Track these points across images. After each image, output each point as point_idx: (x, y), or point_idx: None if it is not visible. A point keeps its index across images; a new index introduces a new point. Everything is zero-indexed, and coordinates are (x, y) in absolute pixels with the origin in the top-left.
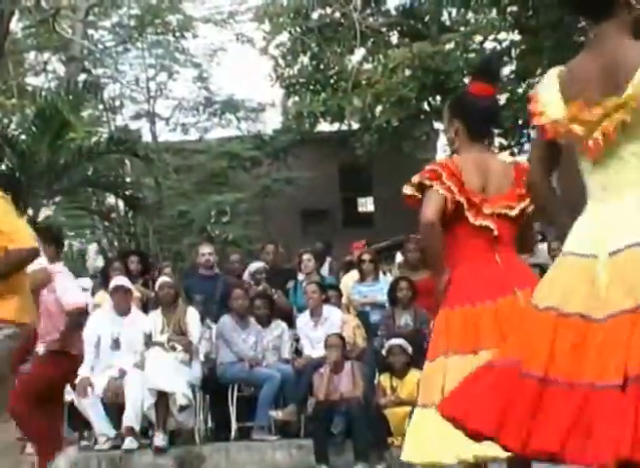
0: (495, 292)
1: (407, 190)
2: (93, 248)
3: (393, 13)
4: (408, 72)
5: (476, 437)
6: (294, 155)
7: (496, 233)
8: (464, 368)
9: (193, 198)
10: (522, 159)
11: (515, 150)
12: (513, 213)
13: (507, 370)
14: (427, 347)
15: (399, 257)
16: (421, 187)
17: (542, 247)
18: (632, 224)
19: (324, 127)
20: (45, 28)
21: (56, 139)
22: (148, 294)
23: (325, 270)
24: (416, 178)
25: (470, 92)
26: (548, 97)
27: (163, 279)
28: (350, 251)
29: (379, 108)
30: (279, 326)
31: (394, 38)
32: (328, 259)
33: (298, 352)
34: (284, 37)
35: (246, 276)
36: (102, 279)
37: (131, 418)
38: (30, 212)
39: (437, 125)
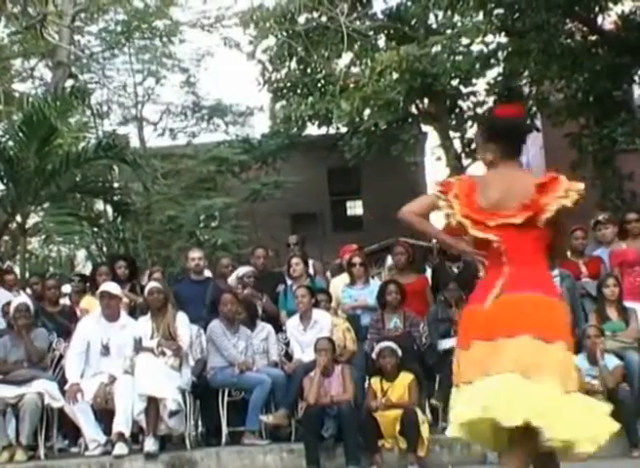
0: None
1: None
2: (81, 254)
3: (380, 16)
4: (395, 75)
5: None
6: (282, 159)
7: (496, 244)
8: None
9: (182, 203)
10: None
11: None
12: (517, 220)
13: None
14: (418, 349)
15: (389, 261)
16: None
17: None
18: None
19: (312, 130)
20: (32, 34)
21: (43, 146)
22: (136, 299)
23: (310, 270)
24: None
25: (501, 115)
26: None
27: (152, 284)
28: (340, 254)
29: (366, 112)
30: (264, 328)
31: (381, 41)
32: (311, 261)
33: (288, 356)
34: (271, 41)
35: (232, 280)
36: (90, 284)
37: (121, 424)
38: (19, 218)
39: (425, 128)
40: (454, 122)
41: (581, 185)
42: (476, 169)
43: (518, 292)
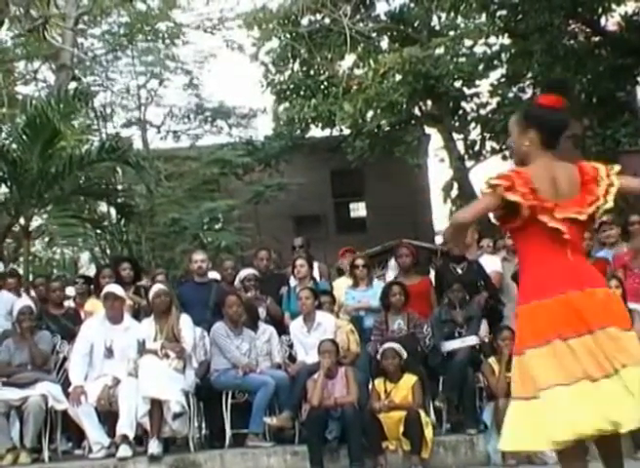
0: (567, 285)
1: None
2: (85, 256)
3: (383, 18)
4: (398, 77)
5: None
6: (285, 161)
7: (567, 236)
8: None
9: (185, 205)
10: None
11: (506, 153)
12: (582, 217)
13: None
14: (422, 350)
15: (392, 262)
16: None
17: None
18: None
19: (315, 132)
20: (35, 37)
21: (46, 148)
22: (140, 302)
23: (315, 273)
24: (492, 180)
25: (544, 103)
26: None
27: (158, 286)
28: (339, 256)
29: (370, 113)
30: (267, 330)
31: (384, 43)
32: (316, 264)
33: (291, 358)
34: (274, 43)
35: (237, 283)
36: (94, 286)
37: (125, 426)
38: (22, 220)
39: (428, 130)
40: (457, 124)
41: (617, 168)
42: (481, 170)
43: (595, 286)
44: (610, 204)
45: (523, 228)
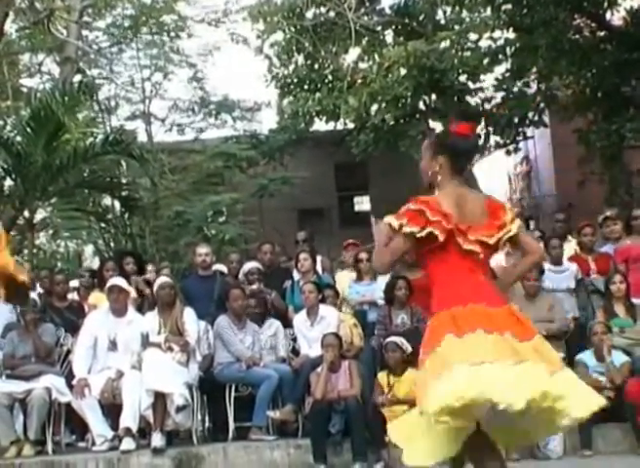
0: (487, 300)
1: (388, 220)
2: (89, 249)
3: (388, 11)
4: (403, 71)
5: None
6: (290, 154)
7: (481, 256)
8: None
9: (189, 198)
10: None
11: (511, 148)
12: (492, 241)
13: None
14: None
15: None
16: (392, 229)
17: (539, 246)
18: None
19: (320, 126)
20: (39, 30)
21: (51, 141)
22: (144, 289)
23: (318, 267)
24: (397, 219)
25: (456, 131)
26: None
27: (163, 279)
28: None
29: (374, 107)
30: (273, 324)
31: (389, 37)
32: (319, 258)
33: (295, 351)
34: (278, 36)
35: (241, 276)
36: (98, 280)
37: (128, 419)
38: (26, 213)
39: (432, 124)
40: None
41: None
42: (485, 164)
43: (499, 306)
44: (513, 232)
45: (434, 250)
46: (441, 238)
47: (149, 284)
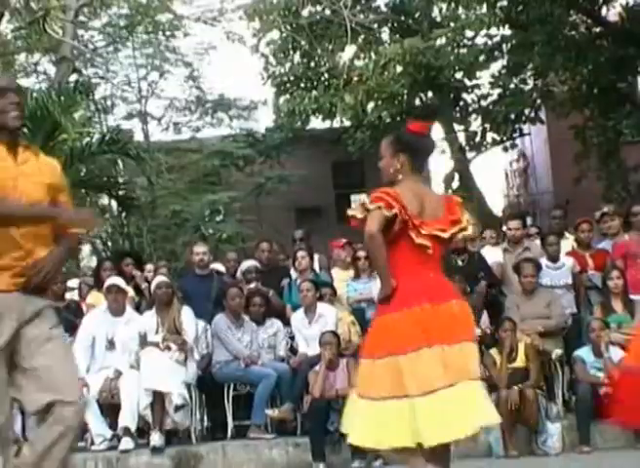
0: (424, 299)
1: (352, 212)
2: (86, 248)
3: (384, 9)
4: (399, 68)
5: None
6: (286, 153)
7: (430, 251)
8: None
9: (187, 197)
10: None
11: (507, 145)
12: (445, 235)
13: None
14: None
15: None
16: (366, 209)
17: (536, 242)
18: None
19: (316, 124)
20: (35, 29)
21: (47, 141)
22: (140, 284)
23: (315, 265)
24: (362, 202)
25: (414, 130)
26: None
27: (160, 278)
28: (331, 249)
29: (370, 105)
30: (274, 324)
31: (385, 34)
32: (316, 256)
33: (293, 350)
34: (274, 35)
35: (239, 275)
36: (95, 279)
37: (127, 419)
38: None
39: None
40: (458, 115)
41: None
42: (482, 161)
43: (450, 299)
44: (469, 232)
45: (391, 242)
46: (396, 227)
47: (148, 282)
